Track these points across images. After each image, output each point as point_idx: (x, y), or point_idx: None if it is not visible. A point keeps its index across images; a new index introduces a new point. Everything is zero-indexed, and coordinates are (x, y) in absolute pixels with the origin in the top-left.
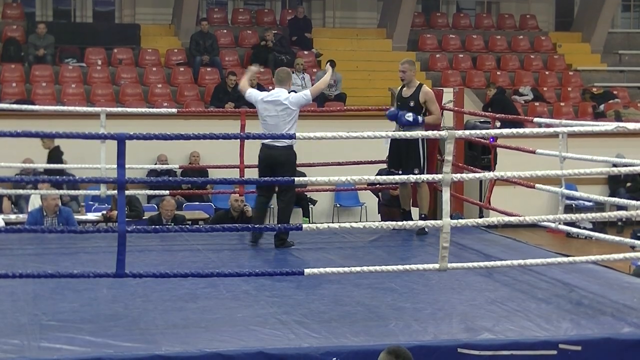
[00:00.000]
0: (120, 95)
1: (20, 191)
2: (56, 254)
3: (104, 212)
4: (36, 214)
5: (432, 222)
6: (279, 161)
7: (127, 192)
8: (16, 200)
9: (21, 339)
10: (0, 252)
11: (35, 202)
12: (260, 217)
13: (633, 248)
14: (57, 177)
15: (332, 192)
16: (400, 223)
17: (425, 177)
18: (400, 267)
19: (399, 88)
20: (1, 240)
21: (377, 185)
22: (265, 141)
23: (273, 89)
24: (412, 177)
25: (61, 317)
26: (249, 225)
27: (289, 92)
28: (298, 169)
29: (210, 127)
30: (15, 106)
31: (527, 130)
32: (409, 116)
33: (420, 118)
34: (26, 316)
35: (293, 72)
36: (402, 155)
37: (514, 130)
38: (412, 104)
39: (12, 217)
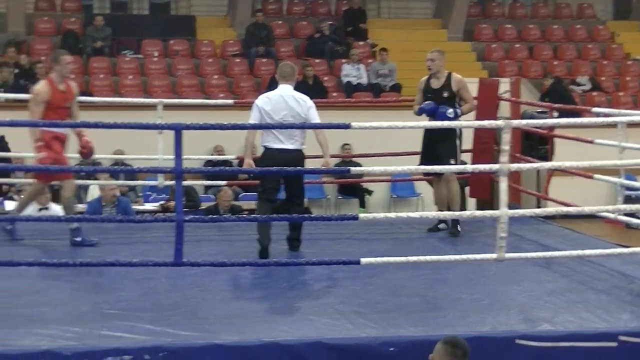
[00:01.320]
0: (176, 87)
1: (80, 181)
2: (115, 244)
3: (162, 202)
4: (95, 204)
5: (490, 212)
6: (291, 165)
7: (184, 183)
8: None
9: (82, 327)
10: (61, 242)
11: (94, 192)
12: (267, 230)
13: None
14: (116, 167)
15: (388, 182)
16: (457, 213)
17: (482, 167)
18: (457, 257)
19: (425, 79)
20: (62, 229)
21: (433, 176)
22: (275, 145)
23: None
24: (470, 167)
25: (121, 306)
26: (306, 215)
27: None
28: (354, 159)
29: None
30: None
31: (585, 119)
32: (450, 112)
33: (459, 111)
34: (87, 305)
35: (348, 63)
36: (438, 148)
37: (572, 120)
38: (446, 94)
39: None
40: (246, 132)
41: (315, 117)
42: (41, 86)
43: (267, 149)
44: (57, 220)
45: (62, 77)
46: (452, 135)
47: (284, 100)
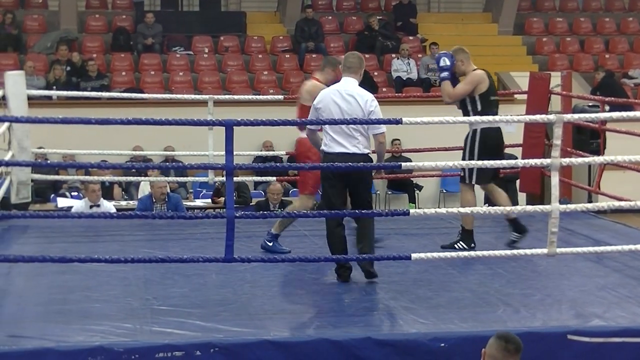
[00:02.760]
0: (226, 83)
1: (131, 178)
2: (166, 240)
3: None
4: (146, 200)
5: (541, 207)
6: (356, 174)
7: (235, 179)
8: (126, 187)
9: (133, 323)
10: (112, 238)
11: (144, 189)
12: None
13: None
14: (166, 164)
15: (439, 177)
16: (508, 208)
17: (533, 161)
18: (508, 252)
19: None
20: (112, 226)
21: None
22: (334, 148)
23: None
24: (520, 162)
25: (171, 302)
26: (356, 211)
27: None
28: (404, 154)
29: None
30: (125, 94)
31: (637, 113)
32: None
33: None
34: (138, 301)
35: (398, 58)
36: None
37: (624, 114)
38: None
39: (123, 203)
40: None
41: (378, 114)
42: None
43: (325, 153)
44: (110, 217)
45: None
46: (471, 138)
47: (334, 96)
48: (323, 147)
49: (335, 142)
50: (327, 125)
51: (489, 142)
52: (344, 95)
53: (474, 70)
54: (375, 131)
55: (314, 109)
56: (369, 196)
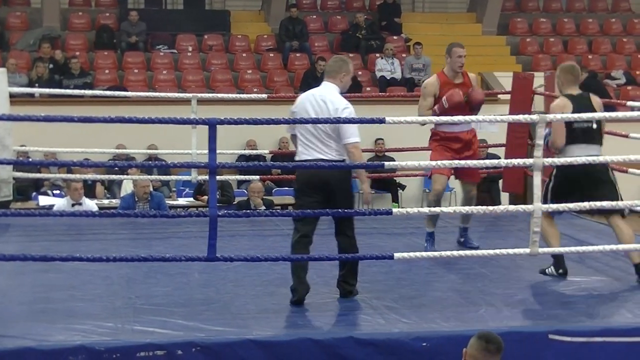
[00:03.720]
0: (210, 81)
1: (113, 176)
2: (148, 239)
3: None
4: (128, 199)
5: (523, 206)
6: (332, 183)
7: (218, 178)
8: (109, 186)
9: (115, 321)
10: (95, 237)
11: (127, 188)
12: (303, 275)
13: None
14: (149, 162)
15: (422, 177)
16: (490, 208)
17: (516, 161)
18: (490, 251)
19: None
20: (95, 224)
21: None
22: (311, 154)
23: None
24: (503, 162)
25: (154, 301)
26: (338, 210)
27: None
28: (387, 153)
29: None
30: (108, 93)
31: (619, 113)
32: None
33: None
34: (120, 300)
35: (382, 58)
36: None
37: (607, 114)
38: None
39: (105, 202)
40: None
41: (346, 129)
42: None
43: (299, 161)
44: (92, 216)
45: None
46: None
47: (309, 101)
48: (297, 156)
49: (310, 147)
50: (300, 132)
51: None
52: (318, 100)
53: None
54: (346, 140)
55: (290, 113)
56: (350, 206)
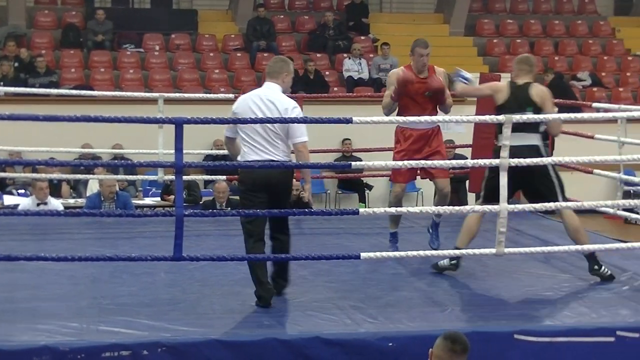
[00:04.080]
0: (177, 81)
1: (79, 176)
2: (114, 238)
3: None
4: (94, 198)
5: (489, 207)
6: (279, 183)
7: (185, 177)
8: (75, 185)
9: (80, 322)
10: (60, 236)
11: (93, 187)
12: (264, 271)
13: None
14: (115, 162)
15: (389, 177)
16: (457, 208)
17: (482, 162)
18: (456, 252)
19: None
20: (61, 224)
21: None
22: (259, 155)
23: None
24: (470, 162)
25: (120, 301)
26: (307, 210)
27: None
28: (355, 154)
29: None
30: (74, 92)
31: (585, 115)
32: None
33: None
34: (85, 299)
35: (349, 58)
36: None
37: (572, 115)
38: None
39: (71, 201)
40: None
41: (296, 128)
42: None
43: (246, 162)
44: (57, 215)
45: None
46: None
47: (253, 102)
48: (242, 158)
49: (257, 148)
50: (245, 133)
51: None
52: (264, 100)
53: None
54: (296, 140)
55: (232, 115)
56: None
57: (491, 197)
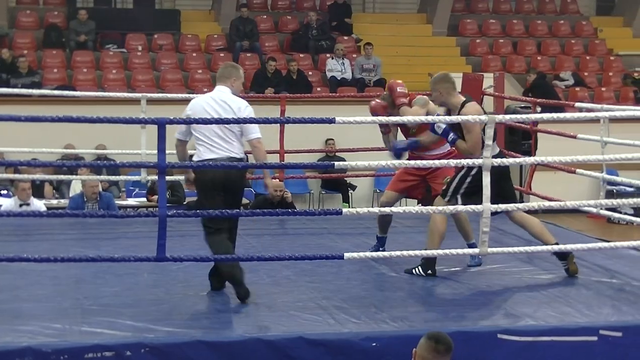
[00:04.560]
0: (160, 81)
1: (62, 176)
2: (98, 239)
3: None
4: (77, 199)
5: (472, 206)
6: (235, 183)
7: (169, 178)
8: (58, 186)
9: (63, 322)
10: (43, 237)
11: (76, 188)
12: (235, 266)
13: None
14: (98, 162)
15: (372, 177)
16: (441, 208)
17: (465, 161)
18: (440, 252)
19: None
20: (43, 225)
21: None
22: (217, 153)
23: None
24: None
25: (103, 302)
26: (289, 210)
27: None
28: (338, 154)
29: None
30: (56, 92)
31: (568, 115)
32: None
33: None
34: (68, 300)
35: (332, 58)
36: None
37: (555, 115)
38: None
39: (54, 202)
40: None
41: (250, 126)
42: None
43: (202, 160)
44: (40, 216)
45: None
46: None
47: (207, 103)
48: (197, 157)
49: (214, 147)
50: (202, 133)
51: None
52: (218, 101)
53: (467, 102)
54: (251, 136)
55: (186, 117)
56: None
57: (470, 196)
